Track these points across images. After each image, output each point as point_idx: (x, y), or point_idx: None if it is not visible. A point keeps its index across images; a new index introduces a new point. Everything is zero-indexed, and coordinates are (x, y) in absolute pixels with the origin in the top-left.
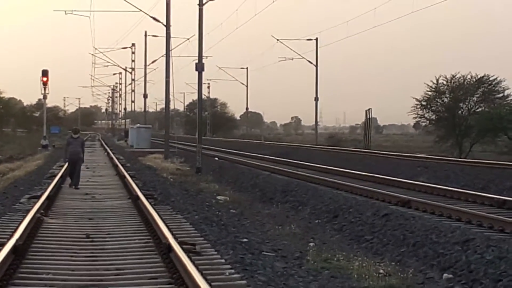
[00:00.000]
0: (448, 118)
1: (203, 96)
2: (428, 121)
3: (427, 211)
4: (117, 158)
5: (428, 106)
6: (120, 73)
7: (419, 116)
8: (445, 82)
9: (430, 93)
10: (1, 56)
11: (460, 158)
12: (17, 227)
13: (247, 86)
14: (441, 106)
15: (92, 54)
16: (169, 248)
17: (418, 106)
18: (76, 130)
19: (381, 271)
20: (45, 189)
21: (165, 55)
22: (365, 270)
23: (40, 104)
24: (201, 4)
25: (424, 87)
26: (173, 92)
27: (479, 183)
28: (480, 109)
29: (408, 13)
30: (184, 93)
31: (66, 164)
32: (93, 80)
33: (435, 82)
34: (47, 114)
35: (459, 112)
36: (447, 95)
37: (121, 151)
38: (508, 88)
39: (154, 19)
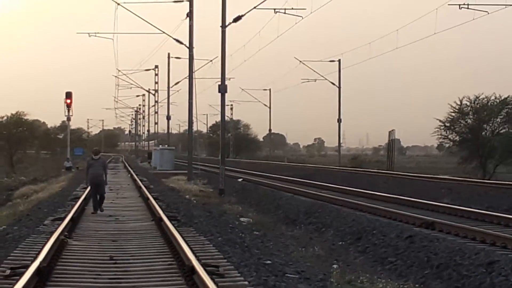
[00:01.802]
0: (472, 139)
1: (226, 118)
2: (451, 142)
3: (451, 233)
4: (140, 180)
5: (452, 127)
6: (144, 95)
7: (442, 137)
8: (468, 103)
9: (453, 114)
10: (26, 78)
11: (484, 179)
12: (41, 249)
13: (270, 108)
14: (464, 127)
15: (116, 76)
16: (193, 270)
17: (442, 127)
18: (96, 151)
19: None
20: (69, 211)
21: (188, 77)
22: None
23: (64, 126)
24: (224, 26)
25: (447, 108)
26: (196, 114)
27: (503, 204)
28: (504, 130)
29: (431, 35)
30: (207, 114)
31: (88, 189)
32: (117, 102)
33: (458, 103)
34: (71, 136)
35: (483, 133)
36: (471, 116)
37: (145, 173)
38: None
39: (177, 41)
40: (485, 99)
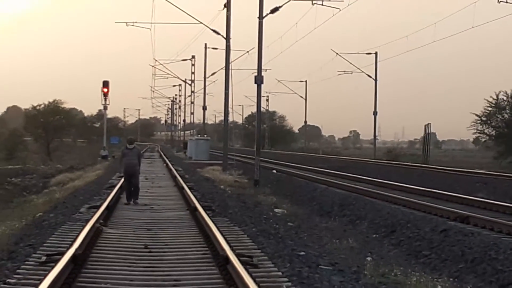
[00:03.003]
0: (508, 134)
1: (262, 109)
2: (487, 137)
3: (486, 227)
4: (175, 170)
5: (488, 122)
6: (180, 85)
7: (478, 131)
8: (505, 98)
9: (490, 108)
10: (63, 67)
11: None
12: (77, 236)
13: (306, 99)
14: (501, 122)
15: (153, 66)
16: (227, 260)
17: (478, 122)
18: (131, 140)
19: (439, 287)
20: (104, 199)
21: (224, 68)
22: (423, 286)
23: (100, 115)
24: (261, 17)
25: (484, 102)
26: (232, 105)
27: None
28: None
29: (469, 28)
30: (243, 105)
31: (122, 180)
32: (153, 91)
33: (495, 97)
34: (107, 125)
35: None
36: (508, 111)
37: (180, 163)
38: None
39: (214, 31)
40: None
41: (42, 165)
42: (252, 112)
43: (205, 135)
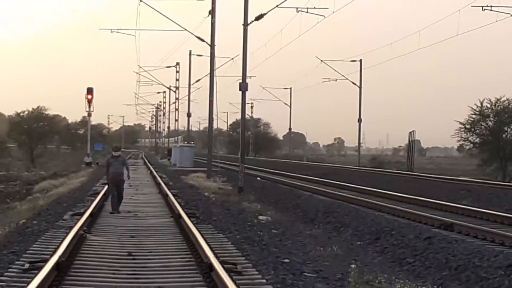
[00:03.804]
0: (492, 141)
1: (246, 116)
2: (472, 144)
3: (470, 234)
4: (159, 177)
5: (472, 129)
6: (164, 91)
7: (463, 139)
8: (489, 105)
9: (474, 116)
10: (47, 74)
11: (504, 182)
12: (60, 243)
13: (290, 107)
14: (485, 130)
15: (137, 73)
16: (211, 267)
17: (462, 129)
18: (117, 147)
19: None
20: (88, 206)
21: (209, 74)
22: None
23: (84, 122)
24: (246, 24)
25: (468, 110)
26: (217, 111)
27: None
28: None
29: (453, 36)
30: (227, 112)
31: (106, 187)
32: (137, 98)
33: (479, 105)
34: (91, 131)
35: (504, 135)
36: (492, 119)
37: (164, 170)
38: None
39: (199, 38)
40: (506, 102)
41: (26, 172)
42: (236, 119)
43: (192, 142)
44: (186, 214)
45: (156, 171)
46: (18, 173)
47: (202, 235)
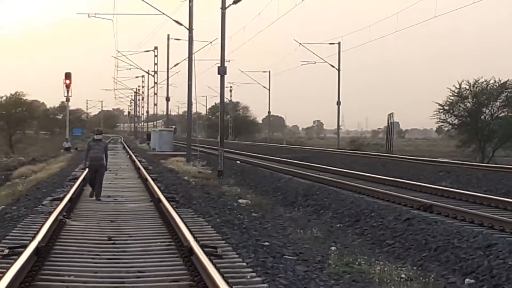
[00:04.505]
0: (470, 123)
1: (225, 100)
2: (450, 126)
3: (449, 215)
4: (139, 161)
5: (451, 111)
6: (143, 76)
7: (441, 120)
8: (467, 87)
9: (452, 97)
10: (24, 59)
11: (483, 163)
12: (40, 229)
13: (269, 90)
14: (463, 111)
15: (115, 57)
16: (191, 251)
17: (441, 111)
18: (99, 131)
19: (403, 275)
20: (67, 192)
21: (187, 59)
22: (387, 275)
23: (63, 107)
24: (223, 8)
25: (447, 92)
26: (196, 96)
27: (501, 188)
28: (503, 114)
29: (431, 18)
30: (206, 96)
31: (86, 171)
32: (116, 83)
33: (457, 87)
34: (70, 116)
35: (482, 117)
36: (470, 100)
37: (143, 154)
38: None
39: (177, 22)
40: (484, 83)
41: (4, 158)
42: (215, 103)
43: (174, 126)
44: (166, 198)
45: (135, 156)
46: None
47: (182, 219)
